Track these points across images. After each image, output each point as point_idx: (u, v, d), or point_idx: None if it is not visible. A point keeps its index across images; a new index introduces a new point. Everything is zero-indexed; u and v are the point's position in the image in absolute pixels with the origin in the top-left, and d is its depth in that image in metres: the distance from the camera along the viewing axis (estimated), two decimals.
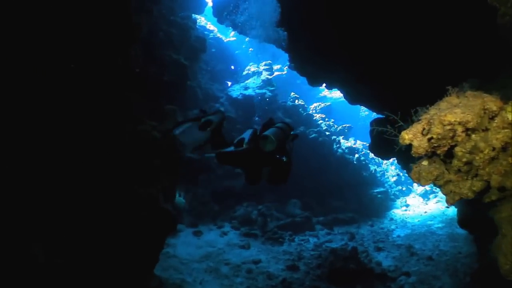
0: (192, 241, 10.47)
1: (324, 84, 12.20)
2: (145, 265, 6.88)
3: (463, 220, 8.63)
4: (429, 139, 2.05)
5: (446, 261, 10.04)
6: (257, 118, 15.45)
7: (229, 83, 18.80)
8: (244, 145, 4.02)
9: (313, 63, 10.81)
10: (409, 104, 7.70)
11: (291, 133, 4.68)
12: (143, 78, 7.29)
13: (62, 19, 4.94)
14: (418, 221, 13.77)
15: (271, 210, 12.64)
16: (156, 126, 6.72)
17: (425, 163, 2.24)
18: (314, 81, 11.77)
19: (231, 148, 4.11)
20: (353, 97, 11.58)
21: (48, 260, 5.03)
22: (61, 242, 5.30)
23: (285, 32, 9.91)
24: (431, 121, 1.98)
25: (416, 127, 2.12)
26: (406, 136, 2.17)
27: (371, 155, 17.95)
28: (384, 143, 8.74)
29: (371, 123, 10.20)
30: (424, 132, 2.07)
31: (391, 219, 14.32)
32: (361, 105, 12.27)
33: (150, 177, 6.45)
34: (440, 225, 13.04)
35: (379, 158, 12.49)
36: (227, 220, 11.93)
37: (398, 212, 15.12)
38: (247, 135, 4.15)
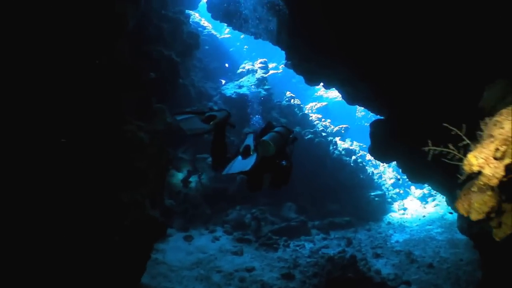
0: (183, 247, 9.96)
1: (321, 84, 11.75)
2: (131, 275, 6.38)
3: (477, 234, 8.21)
4: (508, 166, 1.45)
5: (447, 268, 9.67)
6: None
7: (223, 81, 18.27)
8: (251, 152, 3.84)
9: (311, 60, 10.36)
10: (409, 104, 7.21)
11: (290, 136, 4.49)
12: (130, 75, 6.76)
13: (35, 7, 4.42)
14: (417, 225, 13.38)
15: (265, 214, 12.14)
16: (143, 127, 6.20)
17: (475, 189, 1.70)
18: (312, 80, 11.32)
19: (239, 159, 3.87)
20: (352, 97, 11.17)
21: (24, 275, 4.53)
22: (38, 253, 4.78)
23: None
24: (510, 140, 1.41)
25: (488, 148, 1.53)
26: (475, 160, 1.58)
27: (368, 156, 17.57)
28: (385, 146, 8.26)
29: (371, 125, 9.78)
30: (498, 155, 1.47)
31: (389, 223, 13.91)
32: (359, 106, 11.84)
33: (136, 182, 5.94)
34: (439, 230, 12.67)
35: (379, 162, 12.04)
36: (219, 224, 11.41)
37: (395, 216, 14.72)
38: (250, 141, 3.94)
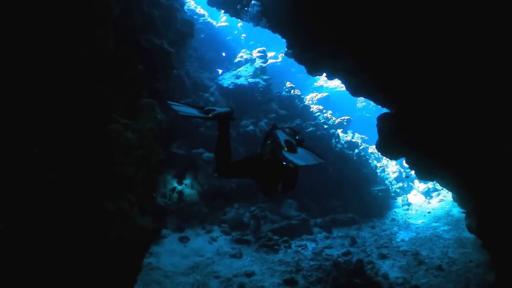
0: (178, 249, 9.38)
1: (324, 74, 11.08)
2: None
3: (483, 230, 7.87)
4: None
5: (457, 271, 9.19)
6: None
7: (220, 71, 17.53)
8: (296, 148, 3.70)
9: (313, 51, 9.70)
10: (419, 97, 6.62)
11: (297, 137, 4.22)
12: (116, 67, 6.08)
13: None
14: (422, 222, 12.87)
15: (265, 212, 11.59)
16: (130, 125, 5.55)
17: None
18: (314, 70, 10.65)
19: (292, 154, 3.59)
20: (356, 88, 10.53)
21: None
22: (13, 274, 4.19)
23: None
24: None
25: None
26: None
27: (371, 149, 16.99)
28: (393, 142, 7.64)
29: (378, 119, 9.16)
30: None
31: (393, 219, 13.39)
32: (364, 97, 11.20)
33: (122, 188, 5.31)
34: (446, 227, 12.18)
35: (387, 158, 11.44)
36: (216, 223, 10.81)
37: (399, 212, 14.20)
38: (284, 136, 3.76)
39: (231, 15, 11.95)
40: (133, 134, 5.61)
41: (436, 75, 7.10)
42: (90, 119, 5.13)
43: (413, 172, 12.60)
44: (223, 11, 12.44)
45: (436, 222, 12.68)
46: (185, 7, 15.41)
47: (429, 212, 13.74)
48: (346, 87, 11.08)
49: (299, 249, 10.01)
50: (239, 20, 13.05)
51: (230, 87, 14.96)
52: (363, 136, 17.53)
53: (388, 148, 8.78)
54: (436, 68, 7.01)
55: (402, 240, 11.26)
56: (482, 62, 6.26)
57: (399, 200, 15.13)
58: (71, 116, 4.84)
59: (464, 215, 9.82)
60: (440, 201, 14.67)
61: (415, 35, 6.96)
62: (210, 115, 3.88)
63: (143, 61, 7.49)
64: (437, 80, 7.16)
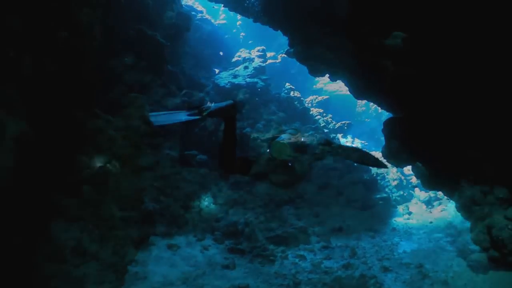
0: (166, 258, 8.72)
1: (327, 75, 10.53)
2: None
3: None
4: None
5: (463, 286, 8.62)
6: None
7: (217, 71, 16.94)
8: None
9: (317, 46, 9.16)
10: (427, 99, 6.08)
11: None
12: (102, 57, 5.46)
13: None
14: (424, 232, 12.29)
15: (260, 218, 10.95)
16: (113, 122, 4.93)
17: None
18: (316, 70, 10.09)
19: None
20: (360, 90, 9.99)
21: None
22: None
23: None
24: None
25: None
26: None
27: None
28: (402, 148, 7.11)
29: (385, 123, 8.60)
30: None
31: (394, 229, 12.79)
32: (368, 100, 10.67)
33: (101, 193, 4.68)
34: (449, 238, 11.61)
35: (394, 166, 10.86)
36: (208, 230, 10.17)
37: (400, 221, 13.59)
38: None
39: (230, 9, 11.36)
40: (117, 132, 4.99)
41: (448, 73, 6.57)
42: (67, 112, 4.51)
43: (414, 179, 12.12)
44: (222, 5, 11.83)
45: (438, 233, 12.12)
46: (183, 2, 14.82)
47: (431, 222, 13.18)
48: (349, 89, 10.55)
49: (297, 260, 9.39)
50: (239, 15, 12.46)
51: (227, 86, 14.35)
52: (363, 142, 16.97)
53: (396, 155, 8.22)
54: (448, 66, 6.49)
55: (404, 252, 10.69)
56: (504, 60, 5.75)
57: (400, 209, 14.54)
58: (42, 107, 4.21)
59: (467, 226, 9.37)
60: (442, 211, 14.09)
61: (427, 30, 6.45)
62: (204, 114, 3.81)
63: (133, 52, 6.87)
64: (449, 80, 6.63)
